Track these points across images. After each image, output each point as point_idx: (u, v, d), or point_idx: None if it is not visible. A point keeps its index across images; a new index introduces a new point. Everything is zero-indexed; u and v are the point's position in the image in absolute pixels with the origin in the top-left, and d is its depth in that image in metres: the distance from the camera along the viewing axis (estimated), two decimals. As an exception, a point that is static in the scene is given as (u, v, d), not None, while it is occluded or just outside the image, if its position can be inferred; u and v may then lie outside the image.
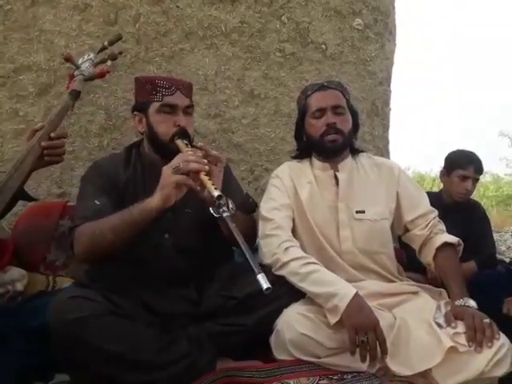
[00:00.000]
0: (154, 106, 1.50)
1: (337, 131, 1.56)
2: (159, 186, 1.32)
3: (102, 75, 1.60)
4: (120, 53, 1.70)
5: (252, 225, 1.62)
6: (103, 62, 1.66)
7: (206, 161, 1.34)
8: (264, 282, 1.11)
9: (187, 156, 1.33)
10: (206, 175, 1.31)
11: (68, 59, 1.60)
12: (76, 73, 1.58)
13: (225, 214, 1.25)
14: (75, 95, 1.53)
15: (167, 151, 1.46)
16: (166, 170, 1.32)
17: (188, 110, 1.53)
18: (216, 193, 1.25)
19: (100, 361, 1.26)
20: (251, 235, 1.61)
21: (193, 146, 1.47)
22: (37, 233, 1.83)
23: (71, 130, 2.00)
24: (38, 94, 2.03)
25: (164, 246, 1.47)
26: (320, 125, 1.58)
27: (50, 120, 1.46)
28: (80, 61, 1.62)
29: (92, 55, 1.64)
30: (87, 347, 1.24)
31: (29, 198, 1.54)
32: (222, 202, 1.26)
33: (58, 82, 2.03)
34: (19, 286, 1.66)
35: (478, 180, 2.17)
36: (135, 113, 1.56)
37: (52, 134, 1.43)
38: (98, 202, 1.43)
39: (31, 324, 1.34)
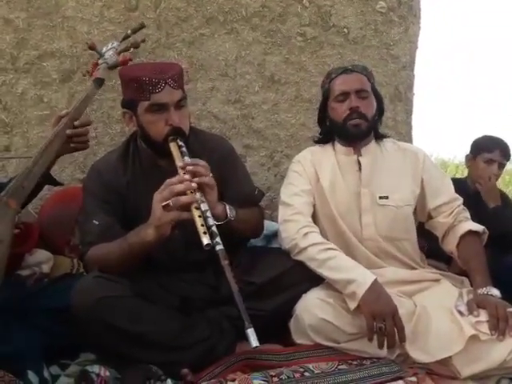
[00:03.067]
0: (143, 105, 1.37)
1: (360, 115, 1.54)
2: (152, 221, 1.25)
3: (124, 63, 1.60)
4: (143, 41, 1.71)
5: (258, 217, 1.60)
6: (126, 50, 1.66)
7: (195, 185, 1.25)
8: (253, 339, 1.11)
9: (175, 187, 1.24)
10: (197, 208, 1.23)
11: (92, 48, 1.61)
12: (100, 61, 1.60)
13: (218, 248, 1.21)
14: (99, 83, 1.54)
15: (162, 151, 1.40)
16: (157, 206, 1.24)
17: (180, 103, 1.40)
18: (205, 240, 1.18)
19: (122, 340, 1.29)
20: (257, 228, 1.61)
21: (188, 145, 1.38)
22: (61, 217, 1.87)
23: (94, 116, 2.02)
24: (61, 81, 2.06)
25: (175, 242, 1.41)
26: (343, 109, 1.55)
27: (75, 107, 1.48)
28: (104, 49, 1.63)
29: (115, 43, 1.65)
30: (109, 327, 1.27)
31: (55, 183, 1.58)
32: (214, 235, 1.21)
33: (80, 69, 2.04)
34: (45, 268, 1.71)
35: (504, 166, 2.13)
36: (124, 110, 1.44)
37: (76, 122, 1.45)
38: (96, 222, 1.40)
39: (57, 305, 1.38)
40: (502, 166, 2.12)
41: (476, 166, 2.14)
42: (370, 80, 1.60)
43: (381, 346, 1.28)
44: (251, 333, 1.12)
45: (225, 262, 1.20)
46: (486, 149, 2.11)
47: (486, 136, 2.18)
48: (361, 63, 2.14)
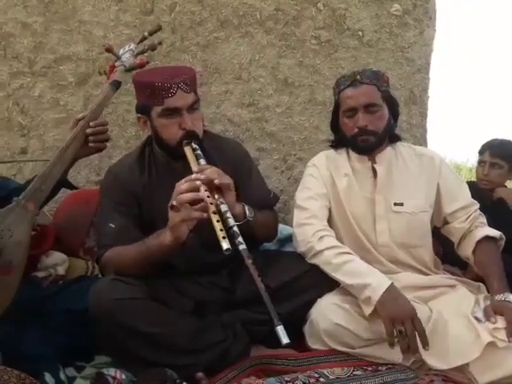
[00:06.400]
0: (156, 110, 1.39)
1: (368, 133, 1.51)
2: (168, 225, 1.27)
3: (141, 65, 1.60)
4: (160, 43, 1.70)
5: (273, 220, 1.61)
6: (143, 52, 1.66)
7: (199, 183, 1.26)
8: (283, 336, 1.11)
9: (180, 187, 1.26)
10: (215, 213, 1.23)
11: (109, 50, 1.61)
12: (117, 63, 1.60)
13: (241, 247, 1.22)
14: (116, 85, 1.54)
15: (176, 154, 1.42)
16: (168, 209, 1.26)
17: (193, 106, 1.41)
18: (225, 245, 1.18)
19: (137, 343, 1.30)
20: (271, 231, 1.62)
21: (202, 148, 1.39)
22: (76, 219, 1.88)
23: (109, 118, 2.03)
24: (77, 84, 2.08)
25: (190, 244, 1.39)
26: (351, 125, 1.52)
27: (92, 109, 1.49)
28: (121, 52, 1.63)
29: (132, 46, 1.65)
30: (126, 329, 1.28)
31: (71, 187, 1.59)
32: (235, 235, 1.22)
33: (96, 72, 2.06)
34: (61, 270, 1.72)
35: (499, 165, 2.11)
36: (139, 115, 1.47)
37: (91, 124, 1.46)
38: (113, 225, 1.41)
39: (73, 307, 1.40)
40: (495, 166, 2.11)
41: (476, 171, 2.23)
42: (381, 88, 1.52)
43: (404, 351, 1.26)
44: (281, 330, 1.12)
45: (249, 261, 1.21)
46: (479, 152, 2.19)
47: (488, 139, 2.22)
48: (375, 66, 2.14)
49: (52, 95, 2.08)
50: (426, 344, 1.26)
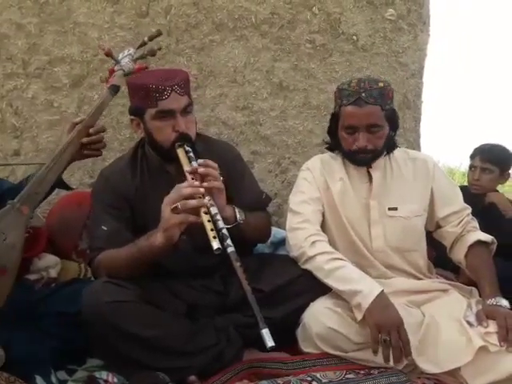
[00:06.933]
0: (150, 112, 1.40)
1: (367, 152, 1.49)
2: (161, 225, 1.26)
3: (140, 71, 1.60)
4: (159, 49, 1.69)
5: (265, 221, 1.62)
6: (142, 57, 1.66)
7: (203, 190, 1.26)
8: (268, 339, 1.11)
9: (183, 190, 1.25)
10: (207, 213, 1.24)
11: (108, 54, 1.60)
12: (116, 68, 1.60)
13: (229, 250, 1.22)
14: (115, 90, 1.54)
15: (170, 157, 1.42)
16: (165, 209, 1.25)
17: (186, 109, 1.42)
18: (215, 245, 1.18)
19: (130, 345, 1.30)
20: (264, 232, 1.62)
21: (195, 151, 1.39)
22: (69, 221, 1.88)
23: (103, 121, 2.03)
24: (71, 86, 2.08)
25: (183, 247, 1.40)
26: (351, 141, 1.50)
27: (90, 113, 1.49)
28: (120, 56, 1.63)
29: (132, 50, 1.64)
30: (118, 332, 1.28)
31: (66, 187, 1.60)
32: (224, 238, 1.22)
33: (90, 74, 2.07)
34: (53, 273, 1.72)
35: (489, 170, 2.11)
36: (132, 117, 1.47)
37: (91, 130, 1.46)
38: (105, 228, 1.42)
39: (65, 309, 1.39)
40: (485, 171, 2.11)
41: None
42: (385, 107, 1.46)
43: (386, 359, 1.27)
44: (266, 333, 1.12)
45: (236, 264, 1.21)
46: (470, 156, 2.20)
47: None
48: (369, 71, 2.16)
49: (46, 97, 2.07)
50: (408, 355, 1.27)
